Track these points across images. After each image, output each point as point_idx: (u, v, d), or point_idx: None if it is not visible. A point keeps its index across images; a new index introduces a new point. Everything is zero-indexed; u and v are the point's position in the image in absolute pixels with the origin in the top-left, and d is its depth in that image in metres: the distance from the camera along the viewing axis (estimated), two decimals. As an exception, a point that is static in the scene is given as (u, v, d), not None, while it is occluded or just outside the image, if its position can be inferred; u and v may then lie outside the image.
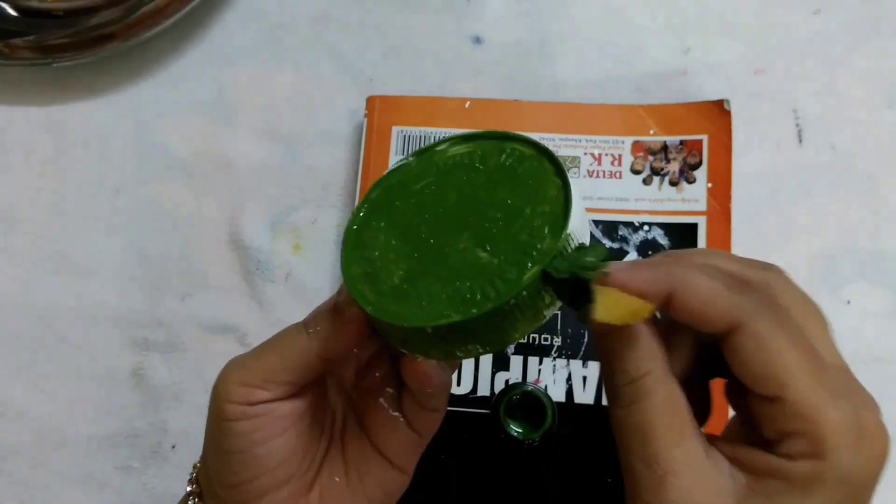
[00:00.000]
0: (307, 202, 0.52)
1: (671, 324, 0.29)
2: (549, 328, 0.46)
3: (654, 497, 0.25)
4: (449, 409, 0.35)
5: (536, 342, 0.46)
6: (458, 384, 0.46)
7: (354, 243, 0.31)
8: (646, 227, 0.48)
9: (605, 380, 0.28)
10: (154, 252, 0.52)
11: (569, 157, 0.50)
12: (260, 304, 0.50)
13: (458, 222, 0.30)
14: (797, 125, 0.51)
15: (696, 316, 0.26)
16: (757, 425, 0.26)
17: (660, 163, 0.49)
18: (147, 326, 0.51)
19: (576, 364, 0.46)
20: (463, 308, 0.27)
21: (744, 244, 0.47)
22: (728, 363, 0.26)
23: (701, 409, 0.29)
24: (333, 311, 0.31)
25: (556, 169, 0.29)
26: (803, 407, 0.24)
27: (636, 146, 0.50)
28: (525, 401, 0.45)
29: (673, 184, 0.48)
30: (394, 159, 0.51)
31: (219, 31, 0.56)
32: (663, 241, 0.48)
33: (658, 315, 0.27)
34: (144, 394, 0.50)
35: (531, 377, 0.46)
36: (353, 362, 0.35)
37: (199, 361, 0.50)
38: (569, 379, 0.46)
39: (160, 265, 0.52)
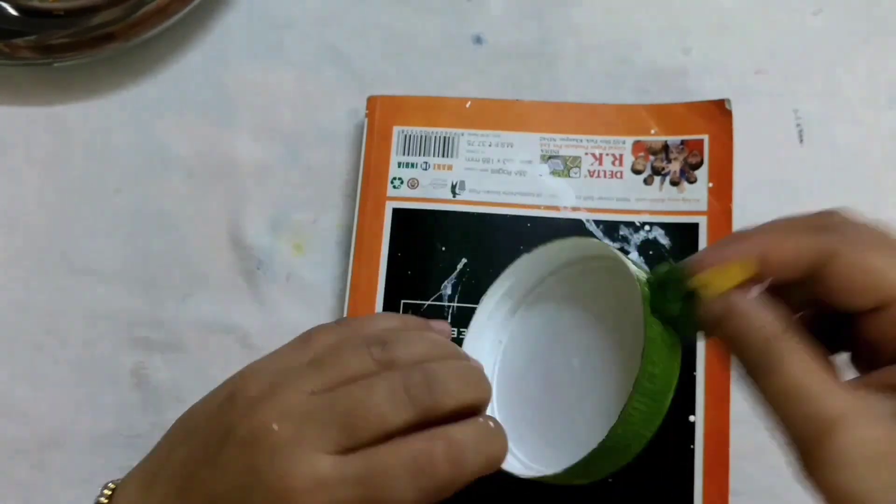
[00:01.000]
0: (308, 202, 0.52)
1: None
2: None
3: (828, 453, 0.25)
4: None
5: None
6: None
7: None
8: (647, 227, 0.48)
9: (742, 363, 0.28)
10: (154, 252, 0.52)
11: (570, 157, 0.50)
12: (261, 305, 0.50)
13: None
14: (798, 125, 0.51)
15: (790, 266, 0.28)
16: (880, 351, 0.27)
17: (661, 162, 0.49)
18: (147, 326, 0.50)
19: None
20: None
21: (745, 244, 0.47)
22: (833, 297, 0.27)
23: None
24: None
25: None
26: None
27: (637, 146, 0.50)
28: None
29: (674, 184, 0.48)
30: (394, 159, 0.51)
31: (219, 31, 0.56)
32: (664, 240, 0.48)
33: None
34: (145, 394, 0.50)
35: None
36: None
37: (199, 361, 0.50)
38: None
39: (161, 265, 0.52)
